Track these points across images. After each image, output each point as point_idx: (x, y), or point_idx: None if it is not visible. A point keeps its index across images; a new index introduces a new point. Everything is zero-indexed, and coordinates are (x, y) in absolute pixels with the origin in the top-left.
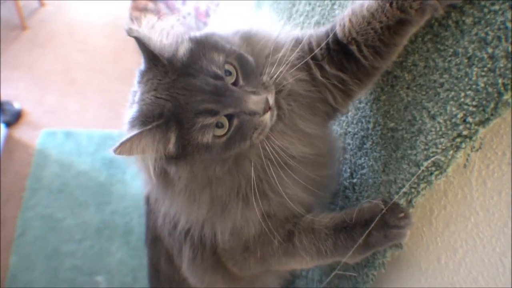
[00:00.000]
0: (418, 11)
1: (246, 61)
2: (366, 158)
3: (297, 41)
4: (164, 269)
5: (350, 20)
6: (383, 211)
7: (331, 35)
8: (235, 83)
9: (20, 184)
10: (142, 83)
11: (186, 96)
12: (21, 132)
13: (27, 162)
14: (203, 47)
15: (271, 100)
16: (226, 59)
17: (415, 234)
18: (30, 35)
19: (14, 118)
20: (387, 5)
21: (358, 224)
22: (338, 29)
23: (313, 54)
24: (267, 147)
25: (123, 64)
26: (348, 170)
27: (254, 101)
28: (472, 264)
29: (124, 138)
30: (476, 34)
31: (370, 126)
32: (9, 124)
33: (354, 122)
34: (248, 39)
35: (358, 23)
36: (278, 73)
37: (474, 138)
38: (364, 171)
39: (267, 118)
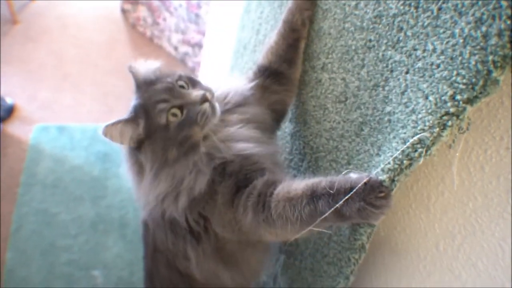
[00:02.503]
0: (302, 25)
1: (194, 78)
2: (363, 143)
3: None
4: (163, 274)
5: (266, 52)
6: (363, 183)
7: (259, 66)
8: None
9: (15, 180)
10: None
11: (150, 94)
12: (14, 128)
13: (21, 157)
14: (166, 74)
15: (209, 95)
16: (179, 78)
17: (413, 222)
18: (21, 29)
19: (7, 114)
20: (282, 30)
21: (338, 192)
22: (262, 61)
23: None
24: (215, 137)
25: (116, 57)
26: (346, 157)
27: (194, 94)
28: (471, 250)
29: (109, 122)
30: (473, 14)
31: (369, 112)
32: (1, 120)
33: (353, 109)
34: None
35: (271, 51)
36: (225, 94)
37: (461, 117)
38: (360, 156)
39: (206, 106)
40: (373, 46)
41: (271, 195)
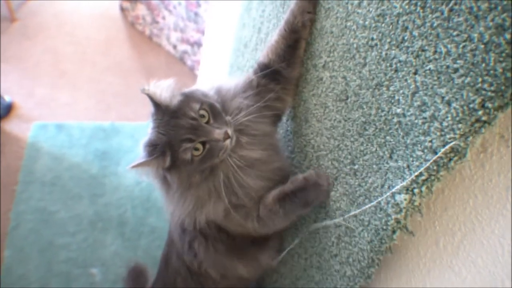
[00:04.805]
0: (303, 27)
1: (215, 107)
2: (369, 144)
3: (244, 84)
4: (174, 264)
5: (267, 51)
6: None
7: (260, 64)
8: (207, 122)
9: (13, 178)
10: (152, 120)
11: (175, 131)
12: (12, 125)
13: (19, 155)
14: (187, 98)
15: (230, 132)
16: (201, 106)
17: (413, 219)
18: (19, 27)
19: (5, 111)
20: (283, 30)
21: (297, 190)
22: (262, 59)
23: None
24: (233, 159)
25: (114, 55)
26: (349, 157)
27: (217, 133)
28: (471, 247)
29: (137, 162)
30: (492, 20)
31: (373, 112)
32: (0, 118)
33: (355, 108)
34: (219, 91)
35: (272, 50)
36: (237, 111)
37: (493, 123)
38: (366, 157)
39: (227, 143)
40: (376, 44)
41: (259, 209)
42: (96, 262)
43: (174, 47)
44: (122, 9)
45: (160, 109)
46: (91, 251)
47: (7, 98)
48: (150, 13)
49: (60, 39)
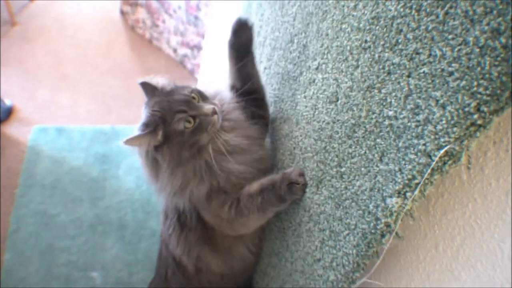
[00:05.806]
0: None
1: (202, 92)
2: (358, 146)
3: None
4: (163, 254)
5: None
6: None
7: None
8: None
9: (13, 181)
10: (146, 106)
11: (170, 104)
12: (12, 129)
13: (20, 158)
14: (180, 87)
15: (217, 109)
16: (192, 90)
17: (413, 223)
18: (20, 31)
19: (5, 115)
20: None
21: (276, 183)
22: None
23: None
24: (218, 142)
25: (115, 58)
26: (336, 159)
27: (206, 108)
28: (471, 251)
29: (131, 136)
30: (488, 24)
31: (363, 114)
32: (0, 121)
33: (344, 110)
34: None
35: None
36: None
37: (488, 127)
38: (354, 159)
39: (215, 118)
40: (369, 47)
41: (240, 194)
42: (97, 265)
43: (174, 50)
44: (123, 13)
45: (156, 91)
46: (92, 254)
47: (7, 101)
48: (150, 17)
49: (60, 42)
